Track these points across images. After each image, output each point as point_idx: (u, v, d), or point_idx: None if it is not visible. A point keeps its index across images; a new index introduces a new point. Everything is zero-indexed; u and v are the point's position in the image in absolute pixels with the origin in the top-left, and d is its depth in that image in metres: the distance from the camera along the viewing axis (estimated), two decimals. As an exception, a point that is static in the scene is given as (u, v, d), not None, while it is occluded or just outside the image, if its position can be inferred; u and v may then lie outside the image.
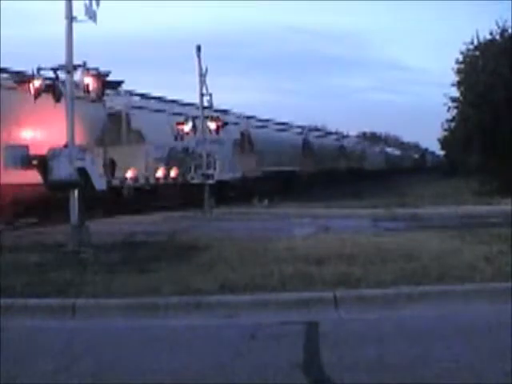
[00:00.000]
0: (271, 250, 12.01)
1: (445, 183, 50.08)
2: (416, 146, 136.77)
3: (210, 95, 25.88)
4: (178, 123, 25.69)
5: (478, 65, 36.30)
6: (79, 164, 12.98)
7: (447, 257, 10.70)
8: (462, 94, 38.31)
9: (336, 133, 68.04)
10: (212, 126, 26.08)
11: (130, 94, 27.80)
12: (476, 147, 36.44)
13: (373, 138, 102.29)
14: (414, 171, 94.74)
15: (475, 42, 37.12)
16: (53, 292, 8.75)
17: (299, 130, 50.14)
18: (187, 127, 25.45)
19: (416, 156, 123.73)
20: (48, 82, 13.65)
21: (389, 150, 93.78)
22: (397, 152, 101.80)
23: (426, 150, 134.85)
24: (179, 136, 25.86)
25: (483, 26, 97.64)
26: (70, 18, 13.02)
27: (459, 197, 29.66)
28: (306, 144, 47.88)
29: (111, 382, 5.72)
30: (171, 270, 10.19)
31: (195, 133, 25.65)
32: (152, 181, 26.66)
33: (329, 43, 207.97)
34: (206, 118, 26.18)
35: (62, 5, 13.06)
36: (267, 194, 30.66)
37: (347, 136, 73.46)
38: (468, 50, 37.58)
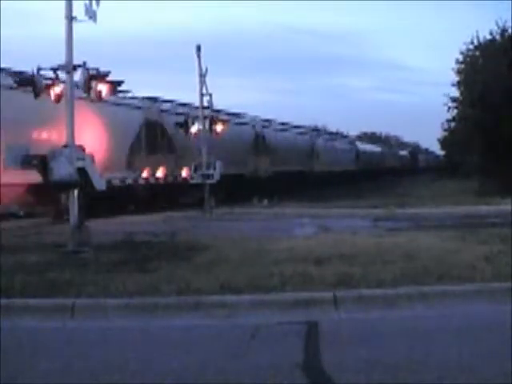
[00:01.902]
0: (271, 250, 12.01)
1: (441, 184, 49.91)
2: (403, 143, 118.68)
3: (210, 95, 25.94)
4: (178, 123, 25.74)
5: (478, 65, 36.34)
6: (79, 164, 12.99)
7: (447, 257, 10.70)
8: (461, 93, 38.36)
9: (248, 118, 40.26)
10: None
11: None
12: (476, 147, 36.48)
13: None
14: (401, 173, 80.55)
15: (475, 42, 37.24)
16: (53, 292, 8.75)
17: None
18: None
19: (404, 154, 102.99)
20: (48, 81, 13.66)
21: (362, 145, 72.51)
22: (375, 149, 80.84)
23: (419, 147, 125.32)
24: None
25: (483, 26, 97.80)
26: (70, 18, 13.02)
27: (459, 197, 29.66)
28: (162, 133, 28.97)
29: (111, 381, 5.72)
30: (171, 270, 10.19)
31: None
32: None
33: (329, 43, 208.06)
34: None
35: (62, 5, 13.07)
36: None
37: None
38: (468, 49, 37.68)
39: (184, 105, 31.67)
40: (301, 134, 50.16)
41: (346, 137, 73.64)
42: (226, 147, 30.07)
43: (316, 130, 58.78)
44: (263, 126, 40.91)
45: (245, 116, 39.01)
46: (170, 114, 29.65)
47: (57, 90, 13.45)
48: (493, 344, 6.44)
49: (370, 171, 68.26)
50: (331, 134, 66.63)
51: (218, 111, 35.48)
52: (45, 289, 8.89)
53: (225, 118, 30.50)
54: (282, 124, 47.13)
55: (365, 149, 71.94)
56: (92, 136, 20.63)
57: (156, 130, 28.30)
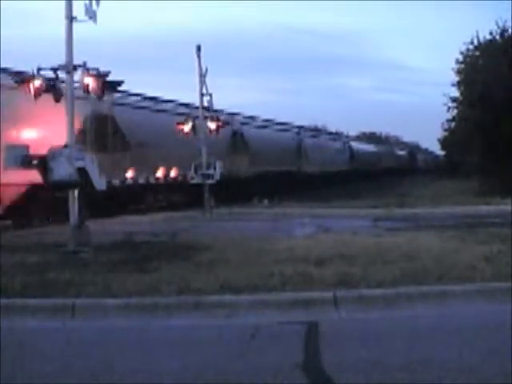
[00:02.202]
0: (271, 250, 12.01)
1: (441, 184, 49.83)
2: (403, 143, 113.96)
3: (210, 95, 25.94)
4: (178, 123, 25.68)
5: (478, 65, 36.36)
6: (79, 164, 12.99)
7: (447, 257, 10.70)
8: (461, 93, 38.39)
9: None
10: (212, 125, 26.12)
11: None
12: (476, 148, 36.50)
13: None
14: (399, 174, 76.75)
15: (475, 42, 37.28)
16: (53, 292, 8.75)
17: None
18: (187, 127, 25.49)
19: (402, 154, 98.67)
20: (48, 81, 13.65)
21: (356, 144, 68.20)
22: (371, 148, 76.43)
23: (418, 146, 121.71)
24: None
25: (483, 26, 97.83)
26: (70, 18, 13.02)
27: (459, 197, 29.67)
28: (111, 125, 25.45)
29: (111, 382, 5.72)
30: (171, 269, 10.19)
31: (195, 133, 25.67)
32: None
33: (329, 43, 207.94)
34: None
35: (62, 5, 13.07)
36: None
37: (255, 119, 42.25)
38: (468, 50, 37.72)
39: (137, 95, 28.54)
40: (287, 131, 46.49)
41: (339, 135, 69.24)
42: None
43: (305, 128, 53.36)
44: (242, 123, 37.53)
45: (221, 112, 34.01)
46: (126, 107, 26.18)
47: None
48: (493, 344, 6.44)
49: (365, 172, 64.36)
50: (322, 132, 61.95)
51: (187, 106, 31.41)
52: (45, 289, 8.89)
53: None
54: (266, 121, 43.71)
55: (359, 148, 67.69)
56: (27, 130, 19.78)
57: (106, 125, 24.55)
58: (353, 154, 62.38)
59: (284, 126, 47.11)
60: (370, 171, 67.21)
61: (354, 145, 66.64)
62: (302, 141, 47.55)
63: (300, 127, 50.66)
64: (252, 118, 40.93)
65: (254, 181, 34.83)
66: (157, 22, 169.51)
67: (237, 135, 36.15)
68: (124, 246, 13.27)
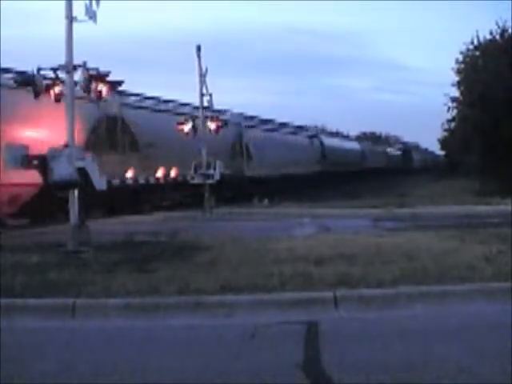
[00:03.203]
0: (271, 250, 12.01)
1: (441, 185, 49.78)
2: (400, 142, 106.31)
3: (210, 95, 25.95)
4: (179, 123, 25.67)
5: (478, 65, 36.40)
6: (79, 164, 13.00)
7: (447, 257, 10.70)
8: (461, 93, 38.42)
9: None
10: (212, 125, 26.13)
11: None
12: (476, 148, 36.50)
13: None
14: (389, 175, 67.72)
15: (475, 42, 37.34)
16: (53, 292, 8.75)
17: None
18: (187, 127, 25.47)
19: (395, 153, 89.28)
20: (48, 81, 13.66)
21: (329, 140, 56.33)
22: (351, 146, 65.70)
23: (418, 146, 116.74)
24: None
25: (483, 26, 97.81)
26: (70, 18, 13.03)
27: (459, 197, 29.67)
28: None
29: (111, 381, 5.72)
30: (171, 269, 10.19)
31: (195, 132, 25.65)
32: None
33: (329, 43, 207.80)
34: None
35: (62, 5, 13.08)
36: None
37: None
38: (468, 49, 37.79)
39: None
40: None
41: (303, 128, 53.89)
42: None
43: (247, 117, 38.63)
44: (134, 106, 25.38)
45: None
46: None
47: (57, 89, 13.45)
48: (493, 344, 6.45)
49: (341, 174, 53.01)
50: (276, 123, 46.20)
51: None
52: (45, 289, 8.89)
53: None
54: (183, 105, 30.91)
55: (334, 145, 56.01)
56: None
57: None
58: (325, 152, 51.30)
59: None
60: (349, 173, 56.39)
61: (327, 140, 54.58)
62: (244, 135, 35.44)
63: (240, 114, 36.68)
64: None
65: (151, 190, 25.12)
66: (157, 21, 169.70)
67: (114, 122, 23.60)
68: (124, 246, 13.26)
